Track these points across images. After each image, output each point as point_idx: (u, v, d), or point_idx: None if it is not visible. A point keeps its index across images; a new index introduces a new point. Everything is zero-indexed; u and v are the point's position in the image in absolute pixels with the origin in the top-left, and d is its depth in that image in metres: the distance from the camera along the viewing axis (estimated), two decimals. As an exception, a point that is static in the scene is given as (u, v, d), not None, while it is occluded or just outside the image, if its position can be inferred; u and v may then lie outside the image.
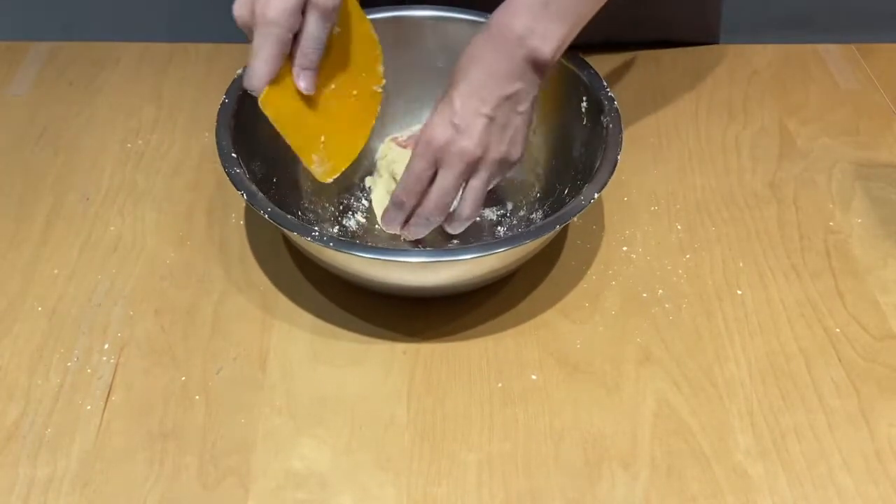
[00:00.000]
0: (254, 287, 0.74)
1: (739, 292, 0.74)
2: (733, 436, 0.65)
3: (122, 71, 0.96)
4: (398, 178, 0.75)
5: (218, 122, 0.72)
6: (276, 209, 0.67)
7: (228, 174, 0.69)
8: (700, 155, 0.87)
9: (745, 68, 0.97)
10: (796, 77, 0.96)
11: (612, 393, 0.67)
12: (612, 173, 0.69)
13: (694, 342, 0.71)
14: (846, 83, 0.95)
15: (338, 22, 0.70)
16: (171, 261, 0.76)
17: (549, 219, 0.68)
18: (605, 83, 0.75)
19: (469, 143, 0.68)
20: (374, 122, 0.76)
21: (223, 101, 0.74)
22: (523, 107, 0.70)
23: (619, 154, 0.70)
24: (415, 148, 0.70)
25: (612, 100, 0.74)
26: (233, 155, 0.70)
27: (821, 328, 0.72)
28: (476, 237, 0.78)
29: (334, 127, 0.73)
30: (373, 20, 0.78)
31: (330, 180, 0.73)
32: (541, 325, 0.72)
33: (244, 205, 0.81)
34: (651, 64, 0.97)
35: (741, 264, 0.77)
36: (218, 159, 0.70)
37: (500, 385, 0.68)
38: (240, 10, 0.66)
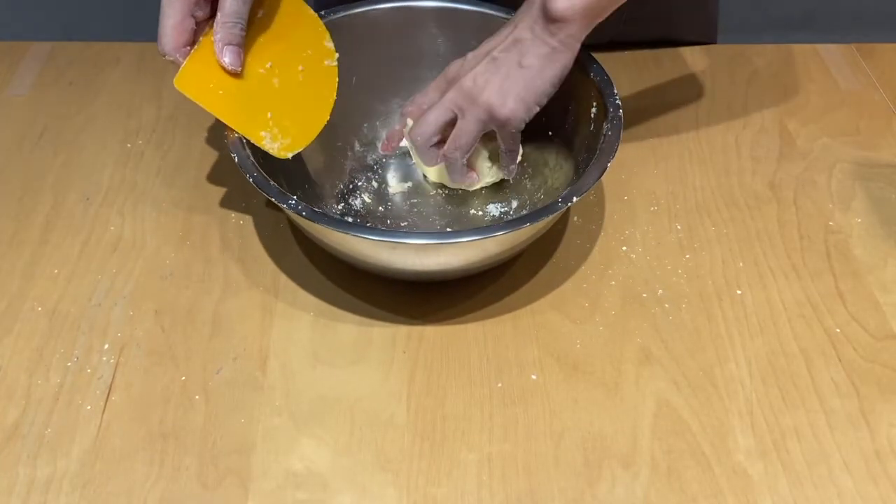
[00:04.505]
0: (254, 287, 0.74)
1: (739, 292, 0.74)
2: (733, 436, 0.65)
3: (122, 71, 0.96)
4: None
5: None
6: (262, 174, 0.68)
7: (227, 139, 0.71)
8: (700, 155, 0.87)
9: (745, 68, 0.97)
10: (796, 77, 0.96)
11: (612, 393, 0.67)
12: (598, 179, 0.70)
13: (694, 342, 0.71)
14: (846, 83, 0.95)
15: (262, 5, 0.73)
16: (171, 261, 0.76)
17: (533, 210, 0.69)
18: (615, 90, 0.75)
19: (468, 74, 0.73)
20: (333, 96, 0.78)
21: None
22: (528, 61, 0.71)
23: (610, 161, 0.71)
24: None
25: (617, 107, 0.74)
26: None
27: (821, 328, 0.72)
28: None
29: (282, 103, 0.74)
30: (377, 10, 0.80)
31: (289, 156, 0.74)
32: (541, 325, 0.72)
33: (244, 204, 0.81)
34: (651, 64, 0.97)
35: (741, 264, 0.77)
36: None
37: (500, 385, 0.68)
38: None
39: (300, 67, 0.76)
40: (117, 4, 1.57)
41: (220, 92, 0.71)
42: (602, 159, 0.71)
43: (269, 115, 0.73)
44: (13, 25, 1.48)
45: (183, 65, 0.70)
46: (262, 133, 0.73)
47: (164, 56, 0.70)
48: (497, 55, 0.72)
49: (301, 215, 0.66)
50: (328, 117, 0.77)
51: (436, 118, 0.74)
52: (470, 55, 0.75)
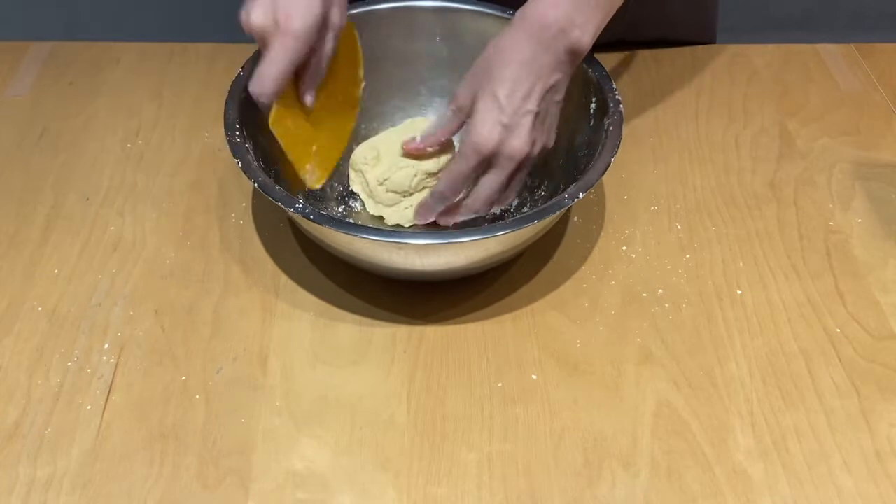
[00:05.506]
0: (254, 287, 0.74)
1: (739, 292, 0.74)
2: (733, 436, 0.65)
3: (122, 71, 0.96)
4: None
5: (230, 91, 0.73)
6: (267, 178, 0.68)
7: (229, 142, 0.70)
8: (700, 155, 0.87)
9: (745, 68, 0.97)
10: (796, 77, 0.96)
11: (612, 393, 0.67)
12: (601, 174, 0.70)
13: (694, 342, 0.71)
14: (846, 83, 0.95)
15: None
16: (171, 261, 0.76)
17: (556, 198, 0.68)
18: (613, 85, 0.76)
19: (520, 143, 0.68)
20: (353, 125, 0.78)
21: (238, 73, 0.75)
22: (560, 96, 0.71)
23: (612, 157, 0.71)
24: (462, 148, 0.70)
25: (617, 102, 0.74)
26: (236, 125, 0.71)
27: (821, 328, 0.72)
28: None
29: (323, 135, 0.75)
30: (377, 10, 0.80)
31: (318, 186, 0.75)
32: (541, 325, 0.72)
33: (244, 204, 0.81)
34: (651, 64, 0.97)
35: (741, 264, 0.77)
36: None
37: (500, 385, 0.68)
38: (259, 18, 0.66)
39: (340, 98, 0.76)
40: (117, 4, 1.57)
41: (291, 128, 0.72)
42: (605, 155, 0.71)
43: (314, 147, 0.74)
44: (13, 25, 1.48)
45: (275, 107, 0.70)
46: (308, 166, 0.74)
47: (255, 97, 0.68)
48: (538, 108, 0.69)
49: (309, 219, 0.66)
50: (346, 144, 0.78)
51: (497, 189, 0.71)
52: (488, 118, 0.68)
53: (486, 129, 0.68)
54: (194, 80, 0.94)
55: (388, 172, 0.76)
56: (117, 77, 0.95)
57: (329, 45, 0.70)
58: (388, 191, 0.76)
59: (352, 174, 0.79)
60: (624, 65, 0.96)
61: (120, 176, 0.84)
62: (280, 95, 0.68)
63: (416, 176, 0.76)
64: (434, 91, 0.85)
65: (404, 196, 0.77)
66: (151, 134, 0.88)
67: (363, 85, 0.77)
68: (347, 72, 0.76)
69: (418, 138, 0.74)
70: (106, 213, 0.80)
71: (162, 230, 0.79)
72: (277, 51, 0.66)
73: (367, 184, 0.77)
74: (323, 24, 0.68)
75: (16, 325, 0.71)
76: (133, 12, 1.47)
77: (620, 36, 0.95)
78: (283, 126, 0.71)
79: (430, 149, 0.75)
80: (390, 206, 0.77)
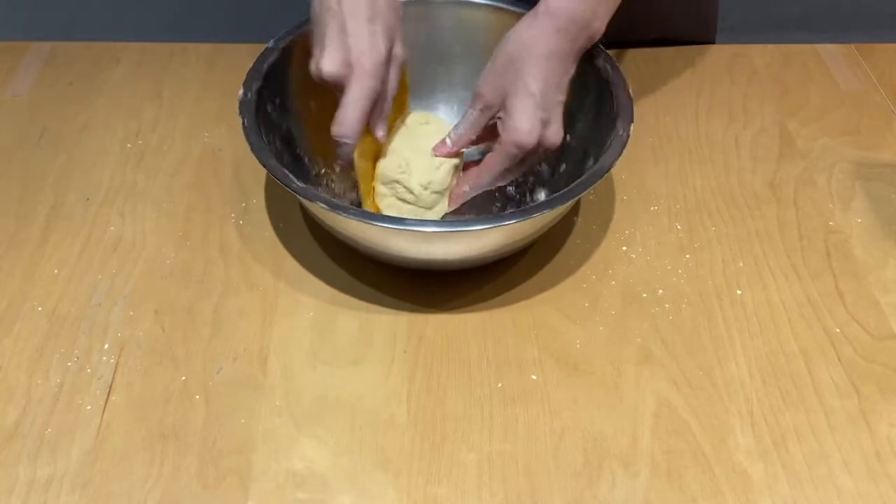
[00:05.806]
0: (254, 287, 0.74)
1: (739, 292, 0.74)
2: (733, 436, 0.65)
3: (122, 71, 0.96)
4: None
5: (242, 119, 0.72)
6: (321, 197, 0.68)
7: (268, 167, 0.69)
8: (700, 155, 0.87)
9: (745, 68, 0.97)
10: (796, 77, 0.96)
11: (612, 393, 0.67)
12: (625, 144, 0.71)
13: (694, 342, 0.71)
14: (846, 83, 0.95)
15: None
16: (171, 261, 0.76)
17: (573, 185, 0.69)
18: (601, 48, 0.77)
19: (556, 135, 0.71)
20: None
21: (245, 96, 0.74)
22: (571, 80, 0.73)
23: (631, 125, 0.72)
24: (502, 146, 0.70)
25: (616, 67, 0.76)
26: (268, 149, 0.71)
27: (821, 328, 0.72)
28: (486, 211, 0.80)
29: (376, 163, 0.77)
30: None
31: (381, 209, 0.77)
32: (541, 325, 0.72)
33: (244, 204, 0.81)
34: (651, 64, 0.97)
35: (741, 264, 0.77)
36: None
37: (500, 385, 0.68)
38: (331, 66, 0.68)
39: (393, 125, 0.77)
40: (117, 4, 1.57)
41: (366, 163, 0.74)
42: (625, 114, 0.73)
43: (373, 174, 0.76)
44: (13, 25, 1.48)
45: (358, 146, 0.71)
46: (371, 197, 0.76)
47: (340, 141, 0.70)
48: (564, 98, 0.71)
49: (371, 223, 0.67)
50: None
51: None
52: (527, 113, 0.69)
53: (528, 126, 0.69)
54: (194, 80, 0.94)
55: (430, 174, 0.74)
56: (117, 77, 0.95)
57: (394, 78, 0.71)
58: (432, 192, 0.75)
59: (381, 189, 0.76)
60: (624, 65, 0.96)
61: (120, 176, 0.84)
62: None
63: (450, 172, 0.75)
64: (440, 86, 0.85)
65: (442, 194, 0.76)
66: (151, 134, 0.88)
67: (406, 112, 0.79)
68: (400, 99, 0.77)
69: (448, 142, 0.74)
70: (106, 213, 0.80)
71: (162, 230, 0.79)
72: (356, 92, 0.68)
73: (412, 191, 0.75)
74: (388, 60, 0.70)
75: (16, 325, 0.71)
76: (133, 12, 1.47)
77: (620, 36, 0.94)
78: (363, 164, 0.73)
79: (463, 150, 0.75)
80: (431, 207, 0.76)
